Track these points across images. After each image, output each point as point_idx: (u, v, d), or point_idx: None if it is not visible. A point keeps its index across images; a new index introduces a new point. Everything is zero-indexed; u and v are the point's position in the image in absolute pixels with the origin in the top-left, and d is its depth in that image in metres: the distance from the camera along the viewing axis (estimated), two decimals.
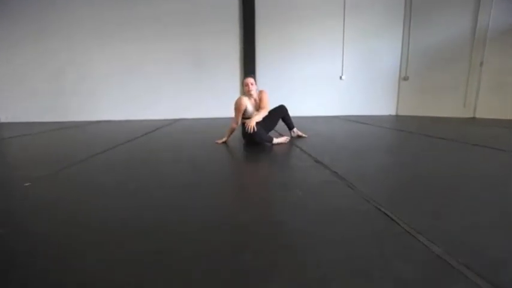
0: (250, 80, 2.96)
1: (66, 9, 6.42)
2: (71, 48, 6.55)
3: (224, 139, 3.13)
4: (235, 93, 6.71)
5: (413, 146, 2.83)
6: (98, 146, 2.93)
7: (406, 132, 3.81)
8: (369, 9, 6.81)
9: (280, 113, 3.24)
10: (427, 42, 6.63)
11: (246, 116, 3.05)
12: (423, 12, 6.63)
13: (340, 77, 7.03)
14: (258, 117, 2.96)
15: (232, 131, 3.13)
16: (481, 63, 5.84)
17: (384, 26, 6.91)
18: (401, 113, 7.20)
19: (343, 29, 6.82)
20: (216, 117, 6.68)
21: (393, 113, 7.30)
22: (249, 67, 6.65)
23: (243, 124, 3.09)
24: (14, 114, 6.67)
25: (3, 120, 6.69)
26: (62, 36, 6.50)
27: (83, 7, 6.43)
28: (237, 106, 2.97)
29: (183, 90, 6.79)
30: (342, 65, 6.99)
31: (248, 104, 3.00)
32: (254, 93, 3.03)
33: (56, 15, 6.43)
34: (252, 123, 2.85)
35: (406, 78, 7.01)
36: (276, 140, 2.98)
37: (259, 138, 2.90)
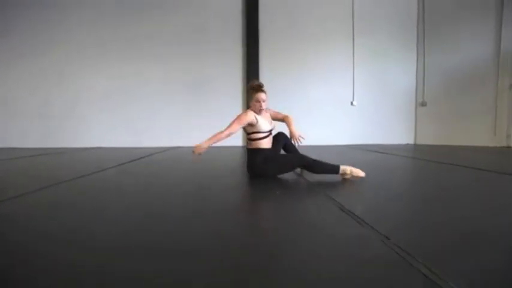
0: (263, 96, 2.25)
1: (60, 28, 6.08)
2: (61, 69, 6.12)
3: (205, 145, 2.15)
4: None
5: (468, 185, 2.10)
6: (52, 178, 2.25)
7: (444, 164, 3.09)
8: (379, 28, 6.38)
9: (280, 141, 2.51)
10: (445, 64, 6.09)
11: (259, 135, 2.26)
12: (438, 31, 6.16)
13: (351, 103, 6.44)
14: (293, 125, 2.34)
15: (219, 138, 2.18)
16: (511, 86, 5.22)
17: (396, 46, 6.43)
18: (420, 141, 6.50)
19: (353, 50, 6.34)
20: (217, 146, 6.02)
21: (411, 141, 6.60)
22: None
23: (250, 150, 2.31)
24: None
25: None
26: (53, 56, 6.09)
27: (76, 26, 6.09)
28: (240, 118, 2.22)
29: (180, 115, 6.22)
30: (353, 90, 6.43)
31: (261, 120, 2.27)
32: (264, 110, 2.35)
33: (48, 35, 6.08)
34: (297, 133, 2.27)
35: (423, 104, 6.39)
36: (346, 169, 2.13)
37: (318, 165, 2.17)
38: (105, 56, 6.13)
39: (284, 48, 6.24)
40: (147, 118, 6.19)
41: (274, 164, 2.26)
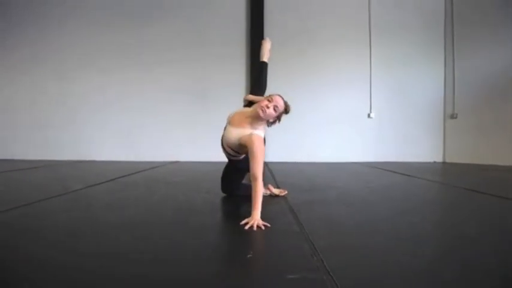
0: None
1: (54, 36, 5.75)
2: (52, 78, 5.76)
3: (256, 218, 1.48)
4: None
5: None
6: None
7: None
8: (399, 31, 5.67)
9: None
10: (479, 70, 5.29)
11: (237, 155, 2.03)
12: (470, 33, 5.39)
13: (369, 115, 5.70)
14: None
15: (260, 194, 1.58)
16: None
17: (419, 50, 5.68)
18: (450, 159, 5.63)
19: (370, 56, 5.64)
20: (216, 161, 5.39)
21: (439, 159, 5.74)
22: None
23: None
24: None
25: None
26: (46, 66, 5.75)
27: (69, 35, 5.73)
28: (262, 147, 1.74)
29: (179, 126, 5.68)
30: (370, 100, 5.69)
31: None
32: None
33: (45, 44, 5.77)
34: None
35: (454, 116, 5.56)
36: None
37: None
38: (100, 65, 5.72)
39: (292, 55, 5.62)
40: (145, 129, 5.71)
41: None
